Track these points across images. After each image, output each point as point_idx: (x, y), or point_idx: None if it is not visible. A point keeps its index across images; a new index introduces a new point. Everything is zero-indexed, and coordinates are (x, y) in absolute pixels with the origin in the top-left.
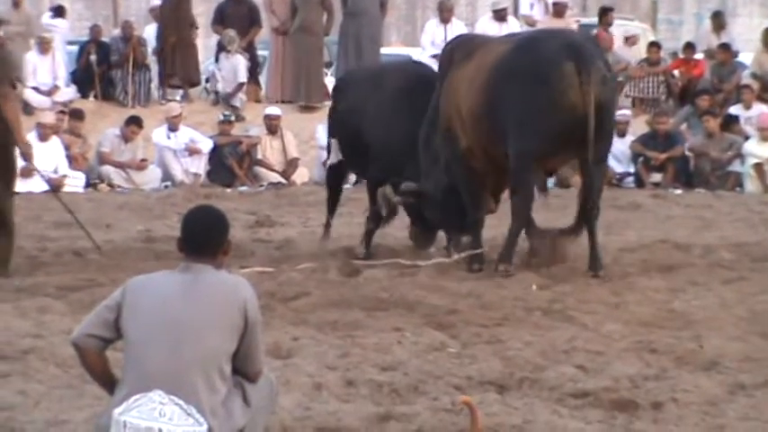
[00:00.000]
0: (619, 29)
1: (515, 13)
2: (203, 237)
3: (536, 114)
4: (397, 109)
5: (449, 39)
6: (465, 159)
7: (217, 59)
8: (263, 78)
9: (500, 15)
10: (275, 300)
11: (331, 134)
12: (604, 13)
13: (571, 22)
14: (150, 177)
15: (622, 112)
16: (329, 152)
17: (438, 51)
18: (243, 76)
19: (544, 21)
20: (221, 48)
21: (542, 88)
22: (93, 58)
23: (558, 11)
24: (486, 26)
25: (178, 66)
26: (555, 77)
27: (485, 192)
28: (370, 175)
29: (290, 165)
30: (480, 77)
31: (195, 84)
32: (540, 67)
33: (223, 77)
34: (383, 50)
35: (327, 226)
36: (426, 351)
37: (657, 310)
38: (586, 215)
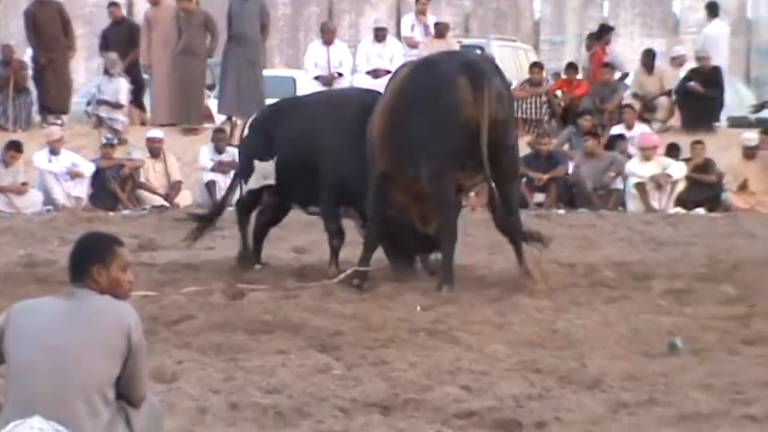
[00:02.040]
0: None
1: (398, 34)
2: (79, 261)
3: (435, 132)
4: (358, 137)
5: (331, 60)
6: (381, 184)
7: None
8: (146, 100)
9: (381, 35)
10: (159, 324)
11: (258, 158)
12: (605, 31)
13: (453, 42)
14: (32, 201)
15: None
16: (242, 176)
17: (321, 73)
18: (124, 99)
19: (425, 42)
20: (105, 71)
21: (438, 104)
22: None
23: (440, 32)
24: (368, 48)
25: (50, 90)
26: (449, 92)
27: (390, 217)
28: (331, 199)
29: (173, 188)
30: (385, 101)
31: (64, 112)
32: (436, 83)
33: (105, 101)
34: (266, 72)
35: (247, 251)
36: (311, 373)
37: (541, 329)
38: (510, 236)
